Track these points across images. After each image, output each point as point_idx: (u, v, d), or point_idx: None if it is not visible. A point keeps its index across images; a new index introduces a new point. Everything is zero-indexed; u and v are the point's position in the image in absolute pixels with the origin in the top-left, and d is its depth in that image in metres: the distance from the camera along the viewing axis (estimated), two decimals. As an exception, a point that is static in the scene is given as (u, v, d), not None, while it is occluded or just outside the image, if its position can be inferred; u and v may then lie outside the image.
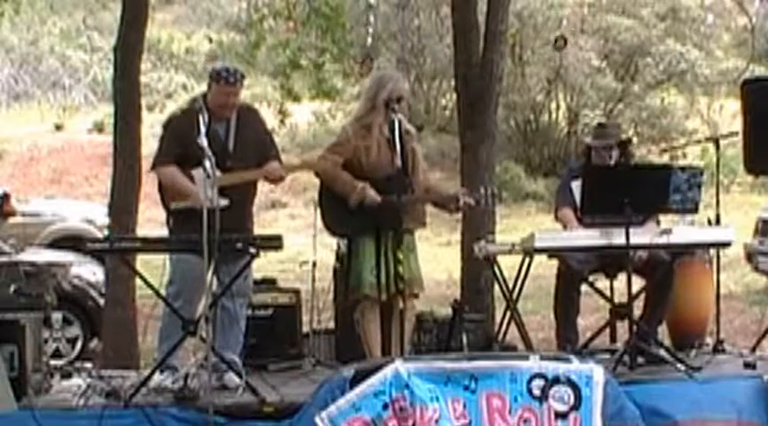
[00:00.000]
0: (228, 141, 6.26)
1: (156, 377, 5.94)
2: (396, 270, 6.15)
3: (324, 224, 6.51)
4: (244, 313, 6.43)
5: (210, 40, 21.96)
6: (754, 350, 6.85)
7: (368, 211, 6.29)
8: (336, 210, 6.39)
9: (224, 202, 6.03)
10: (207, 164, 5.62)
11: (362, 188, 6.29)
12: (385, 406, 5.28)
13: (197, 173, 6.06)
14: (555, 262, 6.76)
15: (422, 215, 6.53)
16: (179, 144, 6.21)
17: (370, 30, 20.28)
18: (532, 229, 6.77)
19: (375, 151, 6.32)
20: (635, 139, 19.73)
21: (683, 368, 6.09)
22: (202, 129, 5.70)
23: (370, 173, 6.33)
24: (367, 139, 6.35)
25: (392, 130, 6.21)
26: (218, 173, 5.87)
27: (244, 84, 6.28)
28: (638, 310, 6.51)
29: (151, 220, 11.66)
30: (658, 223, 6.68)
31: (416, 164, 6.46)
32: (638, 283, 6.52)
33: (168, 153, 6.27)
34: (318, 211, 6.59)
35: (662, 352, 6.33)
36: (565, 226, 6.81)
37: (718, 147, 7.29)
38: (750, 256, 11.99)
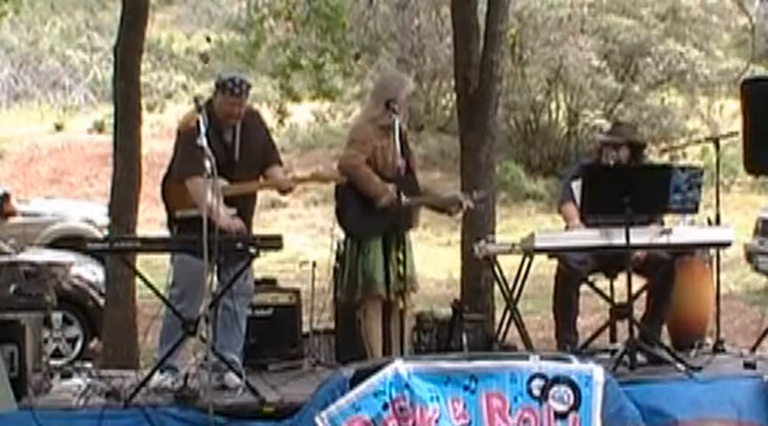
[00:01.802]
0: (234, 150, 6.25)
1: (156, 377, 5.94)
2: (398, 269, 6.20)
3: (338, 219, 6.54)
4: (245, 313, 6.43)
5: (208, 39, 21.89)
6: (754, 350, 6.85)
7: (383, 213, 6.34)
8: (356, 209, 6.42)
9: (231, 212, 6.06)
10: (207, 164, 5.64)
11: (391, 193, 6.32)
12: (385, 406, 5.28)
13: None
14: (555, 262, 6.77)
15: (418, 215, 6.58)
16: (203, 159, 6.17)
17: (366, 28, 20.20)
18: (532, 229, 6.78)
19: (390, 152, 6.34)
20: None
21: (683, 367, 6.10)
22: (202, 129, 5.72)
23: (384, 174, 6.37)
24: (384, 140, 6.38)
25: (394, 131, 6.24)
26: (224, 183, 5.88)
27: (249, 94, 6.28)
28: (638, 310, 6.52)
29: (151, 220, 11.67)
30: (662, 224, 6.67)
31: (414, 165, 6.51)
32: (638, 283, 6.52)
33: (197, 170, 5.77)
34: (338, 222, 6.60)
35: (662, 352, 6.34)
36: (567, 223, 6.81)
37: (718, 147, 7.29)
38: (750, 256, 11.99)
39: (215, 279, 5.92)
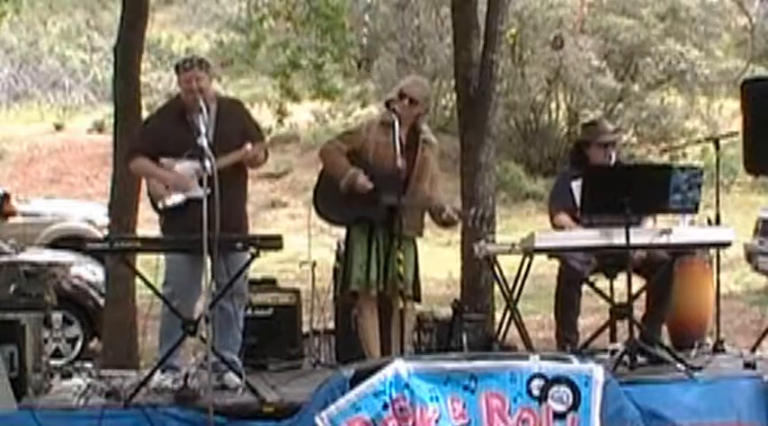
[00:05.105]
0: (208, 132, 6.23)
1: (156, 377, 5.94)
2: (386, 267, 6.26)
3: (317, 211, 6.56)
4: (242, 313, 6.42)
5: (217, 42, 21.92)
6: (754, 350, 6.86)
7: (362, 205, 6.34)
8: (331, 198, 6.46)
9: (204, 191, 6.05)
10: (207, 164, 5.65)
11: (354, 173, 6.37)
12: (385, 406, 5.28)
13: (180, 165, 6.18)
14: (555, 262, 6.77)
15: (418, 223, 6.55)
16: (152, 141, 6.32)
17: (365, 30, 20.22)
18: (532, 229, 6.77)
19: (388, 149, 6.33)
20: (635, 139, 19.74)
21: (683, 367, 6.10)
22: (202, 130, 5.74)
23: (376, 169, 6.38)
24: (384, 137, 6.41)
25: (395, 132, 6.24)
26: (197, 165, 5.90)
27: (209, 71, 6.36)
28: (638, 310, 6.52)
29: (151, 220, 11.60)
30: (655, 221, 6.68)
31: (424, 172, 6.48)
32: (638, 283, 6.53)
33: (137, 148, 6.44)
34: (312, 202, 6.65)
35: (662, 352, 6.34)
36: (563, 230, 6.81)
37: (718, 147, 7.30)
38: (750, 256, 11.99)
39: (209, 277, 5.90)
